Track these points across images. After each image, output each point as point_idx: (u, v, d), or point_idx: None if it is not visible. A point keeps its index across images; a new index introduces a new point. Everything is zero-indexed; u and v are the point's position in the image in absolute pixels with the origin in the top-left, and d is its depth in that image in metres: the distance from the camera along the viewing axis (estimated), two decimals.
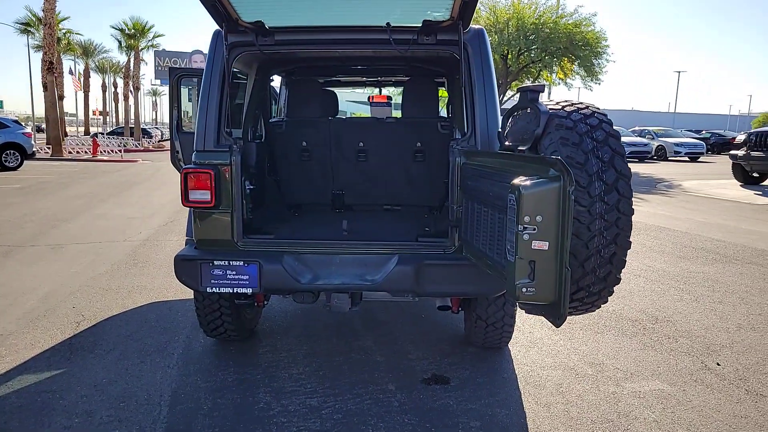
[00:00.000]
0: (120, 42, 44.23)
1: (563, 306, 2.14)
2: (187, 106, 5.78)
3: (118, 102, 66.69)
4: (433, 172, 4.71)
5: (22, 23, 39.06)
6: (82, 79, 54.87)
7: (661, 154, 30.23)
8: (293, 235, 3.80)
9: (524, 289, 2.19)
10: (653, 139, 31.12)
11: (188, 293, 5.29)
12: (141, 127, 42.85)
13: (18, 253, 7.21)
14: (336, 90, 5.50)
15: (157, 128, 53.89)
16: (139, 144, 36.34)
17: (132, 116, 45.21)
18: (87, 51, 57.42)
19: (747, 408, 3.48)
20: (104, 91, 68.38)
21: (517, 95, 2.93)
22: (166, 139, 50.10)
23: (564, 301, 2.14)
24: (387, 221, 4.55)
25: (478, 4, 3.10)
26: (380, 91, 7.07)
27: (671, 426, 3.25)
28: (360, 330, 4.71)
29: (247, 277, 3.43)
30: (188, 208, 3.62)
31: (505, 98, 23.06)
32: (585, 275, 2.39)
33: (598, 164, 2.34)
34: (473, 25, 3.58)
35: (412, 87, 4.98)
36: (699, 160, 30.44)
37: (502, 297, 3.76)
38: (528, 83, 26.11)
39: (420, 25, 3.42)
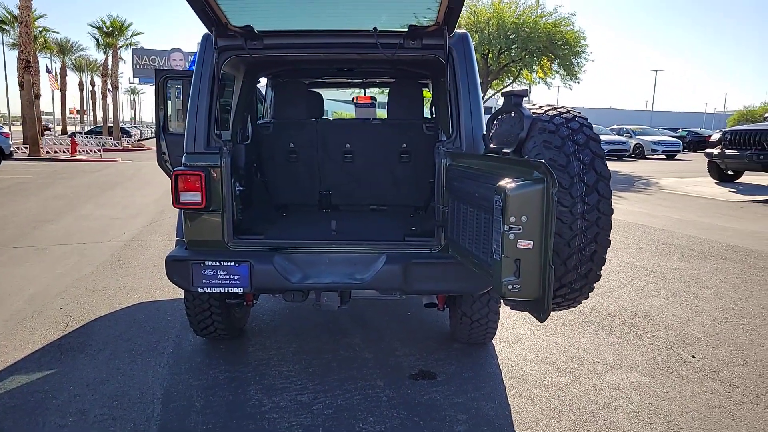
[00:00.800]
0: (98, 40, 43.81)
1: (547, 302, 2.26)
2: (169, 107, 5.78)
3: (95, 101, 66.03)
4: (418, 173, 4.81)
5: None
6: (59, 78, 54.09)
7: (639, 152, 30.75)
8: (283, 236, 3.88)
9: (510, 286, 2.30)
10: (631, 137, 31.63)
11: (176, 293, 5.33)
12: (120, 126, 42.33)
13: (1, 254, 7.17)
14: (320, 90, 5.58)
15: (136, 127, 53.27)
16: (118, 143, 35.91)
17: (110, 115, 44.67)
18: (64, 49, 56.65)
19: (720, 398, 3.64)
20: (81, 90, 67.52)
21: (498, 95, 3.03)
22: (146, 138, 49.74)
23: (548, 298, 2.25)
24: (374, 221, 4.64)
25: None
26: (364, 92, 7.15)
27: (648, 416, 3.39)
28: (348, 328, 4.79)
29: (238, 276, 3.50)
30: (177, 209, 3.68)
31: (486, 97, 23.29)
32: (567, 272, 2.51)
33: (579, 166, 2.46)
34: (457, 30, 3.69)
35: (397, 89, 5.07)
36: (676, 158, 31.02)
37: (487, 294, 3.87)
38: (508, 82, 26.37)
39: (406, 29, 3.51)
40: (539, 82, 26.30)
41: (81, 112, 68.18)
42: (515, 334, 4.71)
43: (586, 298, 2.69)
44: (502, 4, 24.02)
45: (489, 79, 24.60)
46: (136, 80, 45.55)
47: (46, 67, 43.62)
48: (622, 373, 4.00)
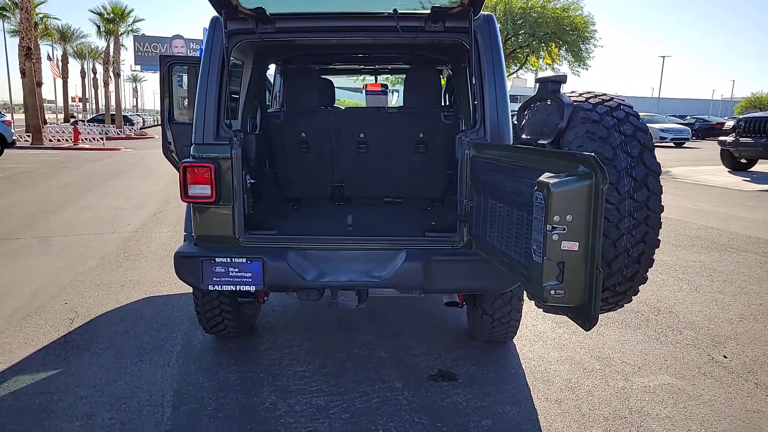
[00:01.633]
0: (99, 27, 43.41)
1: (594, 309, 2.06)
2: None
3: (97, 88, 65.72)
4: (435, 164, 4.61)
5: None
6: (60, 65, 53.78)
7: None
8: (296, 230, 3.69)
9: (552, 292, 2.10)
10: None
11: (183, 287, 5.16)
12: (122, 114, 42.07)
13: (3, 246, 7.01)
14: (330, 78, 5.37)
15: (138, 115, 52.92)
16: (121, 131, 35.66)
17: (113, 103, 44.44)
18: (65, 36, 56.26)
19: (759, 402, 3.45)
20: (83, 78, 67.21)
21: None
22: (148, 126, 49.49)
23: (595, 304, 2.05)
24: (390, 215, 4.44)
25: None
26: (375, 79, 6.92)
27: (684, 422, 3.22)
28: (361, 324, 4.62)
29: (251, 274, 3.32)
30: (185, 203, 3.49)
31: None
32: (611, 275, 2.32)
33: (627, 160, 2.26)
34: (482, 12, 3.46)
35: (414, 76, 4.86)
36: (684, 145, 30.65)
37: (509, 292, 3.69)
38: (515, 69, 26.06)
39: (428, 11, 3.30)
40: (546, 69, 26.03)
41: (83, 99, 67.94)
42: (535, 331, 4.53)
43: (629, 301, 2.50)
44: None
45: None
46: (138, 67, 45.21)
47: (48, 54, 43.32)
48: (651, 374, 3.82)
